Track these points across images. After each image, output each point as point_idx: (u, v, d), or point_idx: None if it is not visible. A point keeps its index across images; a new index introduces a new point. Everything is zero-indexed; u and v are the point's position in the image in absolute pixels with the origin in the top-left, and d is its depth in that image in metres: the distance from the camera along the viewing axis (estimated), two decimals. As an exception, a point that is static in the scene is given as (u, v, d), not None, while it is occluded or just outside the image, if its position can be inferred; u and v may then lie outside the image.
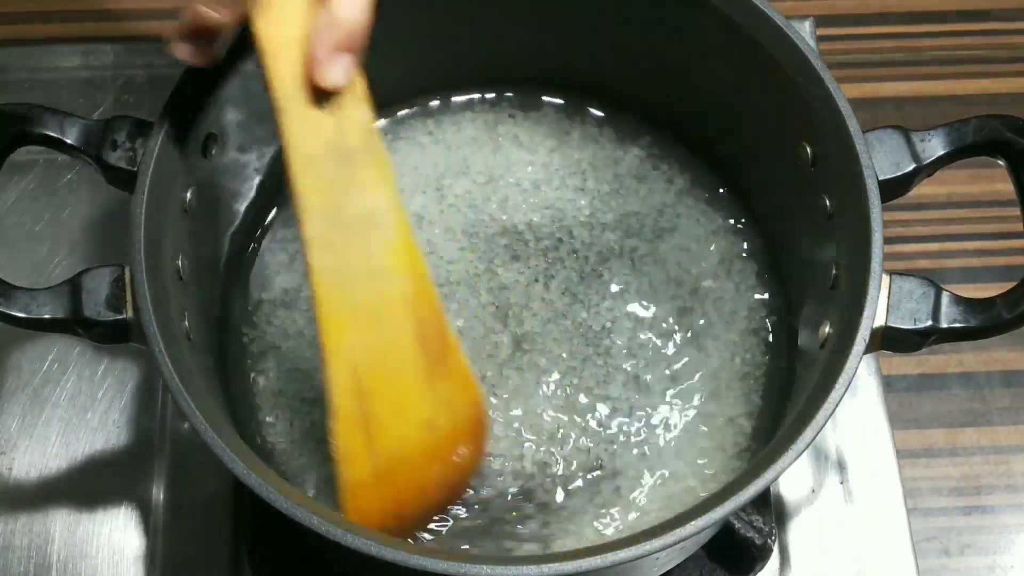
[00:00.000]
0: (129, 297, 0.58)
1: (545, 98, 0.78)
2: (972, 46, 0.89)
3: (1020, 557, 0.74)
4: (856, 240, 0.60)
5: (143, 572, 0.70)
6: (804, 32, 0.82)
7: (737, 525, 0.68)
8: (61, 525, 0.71)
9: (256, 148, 0.70)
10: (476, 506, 0.66)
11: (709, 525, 0.53)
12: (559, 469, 0.67)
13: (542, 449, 0.67)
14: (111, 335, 0.59)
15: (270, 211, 0.74)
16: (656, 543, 0.53)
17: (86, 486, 0.72)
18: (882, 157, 0.61)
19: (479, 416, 0.64)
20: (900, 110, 0.87)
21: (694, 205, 0.75)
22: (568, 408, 0.68)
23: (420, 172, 0.76)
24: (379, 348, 0.59)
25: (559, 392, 0.69)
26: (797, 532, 0.72)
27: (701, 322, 0.71)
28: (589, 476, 0.67)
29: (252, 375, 0.70)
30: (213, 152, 0.65)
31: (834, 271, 0.62)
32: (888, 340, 0.59)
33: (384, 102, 0.78)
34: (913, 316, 0.59)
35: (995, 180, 0.83)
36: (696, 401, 0.69)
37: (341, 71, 0.57)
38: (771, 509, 0.71)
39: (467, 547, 0.65)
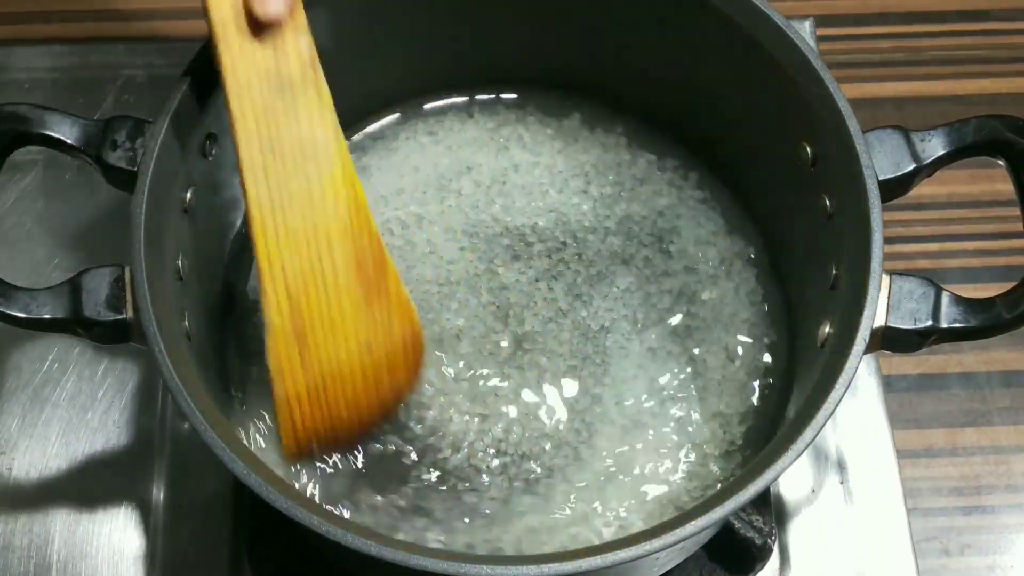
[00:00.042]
0: (129, 297, 0.58)
1: (545, 99, 0.78)
2: (972, 46, 0.89)
3: (1020, 557, 0.74)
4: (856, 240, 0.60)
5: (143, 572, 0.70)
6: (804, 32, 0.82)
7: (737, 525, 0.68)
8: (61, 525, 0.71)
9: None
10: (475, 504, 0.66)
11: (709, 525, 0.53)
12: (560, 464, 0.67)
13: (542, 445, 0.68)
14: (111, 335, 0.59)
15: (270, 211, 0.74)
16: (656, 543, 0.53)
17: (86, 486, 0.72)
18: (882, 157, 0.61)
19: (417, 342, 0.67)
20: (900, 110, 0.87)
21: (694, 206, 0.75)
22: (568, 406, 0.69)
23: (421, 172, 0.76)
24: (315, 272, 0.62)
25: (559, 391, 0.69)
26: (797, 532, 0.72)
27: (701, 322, 0.71)
28: (588, 472, 0.67)
29: (252, 374, 0.70)
30: (213, 152, 0.66)
31: (834, 271, 0.62)
32: (888, 340, 0.59)
33: (384, 101, 0.78)
34: (913, 316, 0.59)
35: (995, 180, 0.83)
36: (696, 401, 0.69)
37: (280, 2, 0.58)
38: (771, 509, 0.71)
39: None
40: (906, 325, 0.59)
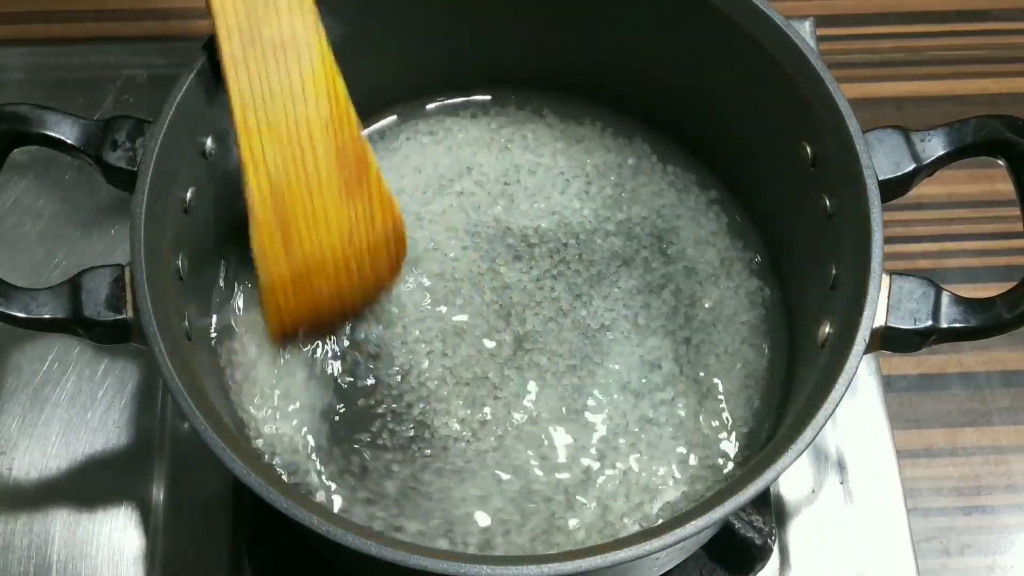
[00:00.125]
0: (129, 297, 0.58)
1: (546, 99, 0.78)
2: (972, 46, 0.89)
3: (1020, 557, 0.74)
4: (856, 240, 0.60)
5: (143, 572, 0.70)
6: (804, 32, 0.82)
7: (737, 525, 0.68)
8: (61, 525, 0.71)
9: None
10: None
11: (709, 525, 0.53)
12: (557, 461, 0.67)
13: (540, 445, 0.68)
14: (111, 335, 0.59)
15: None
16: (656, 543, 0.53)
17: (86, 486, 0.72)
18: (882, 157, 0.61)
19: (399, 235, 0.69)
20: (900, 110, 0.87)
21: (694, 206, 0.75)
22: (567, 405, 0.69)
23: (422, 172, 0.76)
24: (297, 165, 0.64)
25: (559, 390, 0.69)
26: (797, 532, 0.72)
27: (701, 322, 0.71)
28: (587, 472, 0.67)
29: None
30: (213, 152, 0.66)
31: (834, 271, 0.62)
32: (888, 340, 0.59)
33: (385, 102, 0.78)
34: (913, 316, 0.59)
35: (995, 180, 0.83)
36: (695, 401, 0.69)
37: None
38: (771, 509, 0.71)
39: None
40: (906, 325, 0.59)
